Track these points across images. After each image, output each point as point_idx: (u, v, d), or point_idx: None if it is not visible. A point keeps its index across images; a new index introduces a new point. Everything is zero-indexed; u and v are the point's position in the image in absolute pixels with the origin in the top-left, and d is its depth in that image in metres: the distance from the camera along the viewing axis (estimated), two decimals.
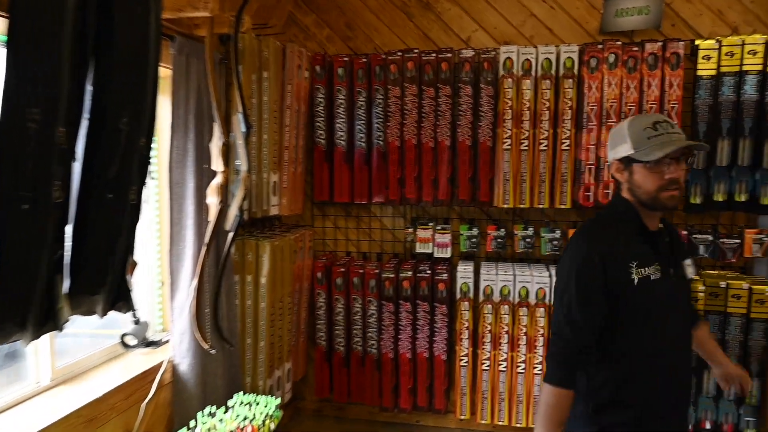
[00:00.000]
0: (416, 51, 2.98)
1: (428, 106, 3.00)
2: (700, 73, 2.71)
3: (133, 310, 1.79)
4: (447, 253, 3.07)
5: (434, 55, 2.96)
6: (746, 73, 2.65)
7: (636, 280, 1.49)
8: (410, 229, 3.14)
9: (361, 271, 3.15)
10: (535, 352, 2.94)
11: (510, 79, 2.87)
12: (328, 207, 3.36)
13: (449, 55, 2.95)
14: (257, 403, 2.20)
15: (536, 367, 2.95)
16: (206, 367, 2.37)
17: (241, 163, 2.29)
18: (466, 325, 3.03)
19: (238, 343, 2.60)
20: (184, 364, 2.31)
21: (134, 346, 2.29)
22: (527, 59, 2.86)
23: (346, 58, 3.09)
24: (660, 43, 2.73)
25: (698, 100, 2.73)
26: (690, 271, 1.65)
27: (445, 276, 3.04)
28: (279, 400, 2.26)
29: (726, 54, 2.66)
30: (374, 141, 3.10)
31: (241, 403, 2.21)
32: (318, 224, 3.38)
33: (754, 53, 2.63)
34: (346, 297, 3.19)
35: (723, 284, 2.71)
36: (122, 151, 1.58)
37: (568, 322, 1.52)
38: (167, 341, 2.37)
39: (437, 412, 3.17)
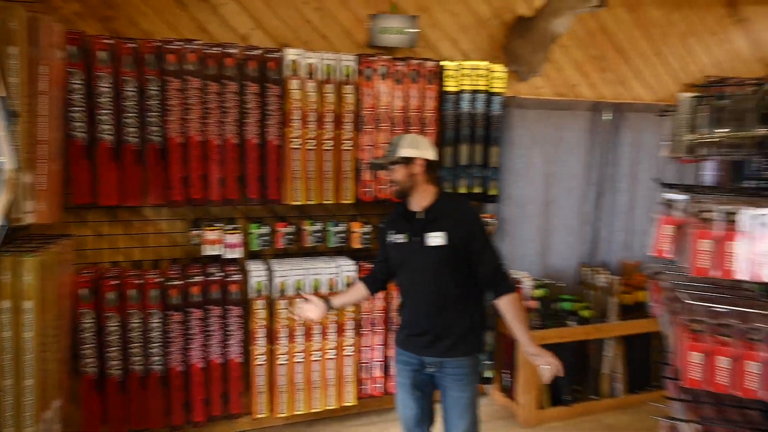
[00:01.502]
0: (198, 43, 2.81)
1: (213, 102, 2.87)
2: (446, 89, 3.31)
3: None
4: (238, 254, 3.01)
5: (218, 49, 2.85)
6: (477, 92, 3.36)
7: (388, 241, 2.30)
8: (195, 231, 2.96)
9: (139, 281, 2.82)
10: (328, 339, 3.14)
11: (296, 81, 2.98)
12: (86, 212, 2.89)
13: (234, 51, 2.88)
14: None
15: (329, 353, 3.15)
16: None
17: (4, 159, 1.83)
18: (261, 324, 3.03)
19: None
20: None
21: None
22: (311, 63, 3.01)
23: (110, 41, 2.71)
24: (418, 61, 3.23)
25: (446, 112, 3.33)
26: (434, 240, 2.10)
27: (237, 277, 2.97)
28: None
29: (464, 75, 3.32)
30: (150, 136, 2.80)
31: None
32: (75, 232, 2.87)
33: (482, 77, 3.36)
34: (121, 313, 2.81)
35: None
36: None
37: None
38: None
39: (233, 417, 3.09)
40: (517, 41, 3.55)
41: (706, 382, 1.44)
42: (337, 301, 2.40)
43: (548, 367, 2.04)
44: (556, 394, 3.51)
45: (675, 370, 1.73)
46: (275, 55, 2.95)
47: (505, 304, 2.11)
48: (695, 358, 1.43)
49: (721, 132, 1.35)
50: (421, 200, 2.19)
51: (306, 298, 2.37)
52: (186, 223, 3.05)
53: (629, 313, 3.64)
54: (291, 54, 2.96)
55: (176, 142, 2.82)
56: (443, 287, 2.14)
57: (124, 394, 2.86)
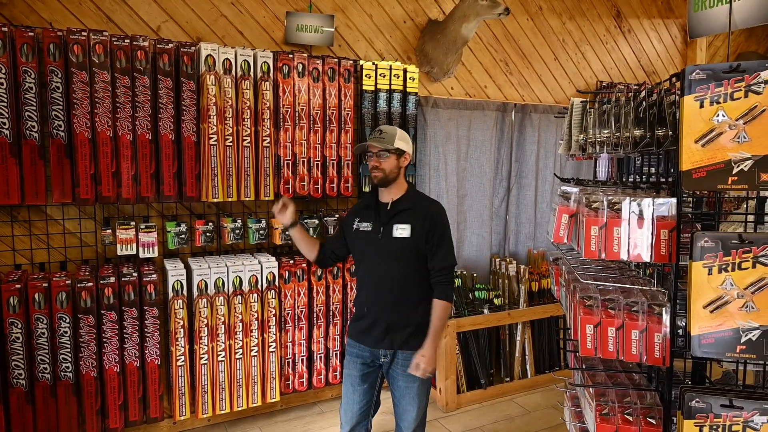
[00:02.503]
0: (106, 34, 2.70)
1: (124, 96, 2.76)
2: (364, 87, 3.41)
3: None
4: (154, 253, 2.92)
5: (128, 41, 2.75)
6: (393, 91, 3.49)
7: (353, 228, 2.34)
8: (108, 231, 2.84)
9: (44, 284, 2.66)
10: (251, 336, 3.13)
11: (212, 76, 2.94)
12: None
13: (146, 43, 2.79)
14: None
15: (252, 350, 3.14)
16: None
17: None
18: (181, 324, 2.97)
19: None
20: None
21: None
22: (228, 59, 2.98)
23: (5, 29, 2.53)
24: (336, 60, 3.29)
25: (364, 110, 3.42)
26: (399, 232, 2.19)
27: (154, 277, 2.88)
28: None
29: (380, 75, 3.43)
30: (54, 131, 2.65)
31: None
32: None
33: (398, 76, 3.49)
34: (25, 319, 2.64)
35: None
36: None
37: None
38: None
39: (153, 421, 2.99)
40: (430, 44, 3.72)
41: (598, 350, 1.63)
42: (299, 228, 2.45)
43: (419, 369, 2.15)
44: (473, 378, 3.73)
45: (574, 343, 1.93)
46: (190, 49, 2.89)
47: (434, 306, 2.21)
48: (589, 329, 1.62)
49: (605, 133, 1.54)
50: (393, 193, 2.26)
51: (285, 203, 2.41)
52: (97, 222, 2.91)
53: (536, 298, 3.94)
54: (207, 49, 2.92)
55: (84, 137, 2.69)
56: (403, 279, 2.20)
57: (30, 406, 2.68)
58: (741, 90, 1.21)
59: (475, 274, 4.02)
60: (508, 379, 3.87)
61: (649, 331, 1.46)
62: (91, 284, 2.73)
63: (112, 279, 2.78)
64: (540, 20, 4.30)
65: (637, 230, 1.37)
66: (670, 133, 1.31)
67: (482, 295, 3.82)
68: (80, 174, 2.70)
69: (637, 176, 2.15)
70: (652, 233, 1.35)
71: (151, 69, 2.81)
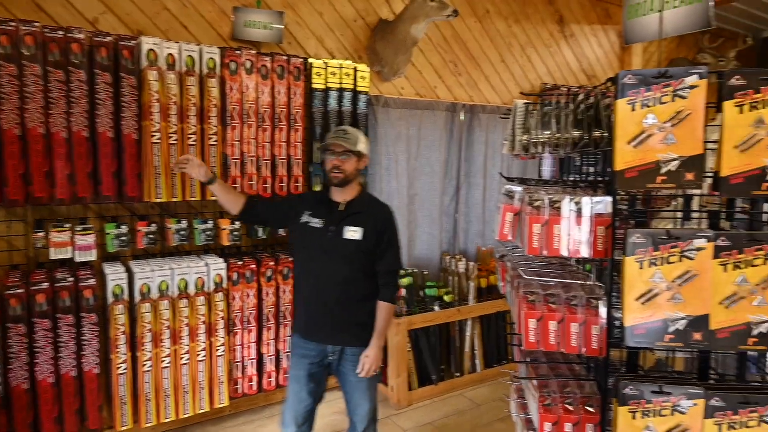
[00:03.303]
0: (37, 24, 2.55)
1: (57, 91, 2.62)
2: (314, 86, 3.38)
3: None
4: (92, 256, 2.79)
5: (62, 33, 2.61)
6: (344, 90, 3.47)
7: (302, 220, 2.30)
8: (40, 233, 2.69)
9: None
10: (198, 340, 3.05)
11: (155, 72, 2.84)
12: None
13: (81, 35, 2.66)
14: None
15: (199, 355, 3.06)
16: None
17: None
18: (122, 330, 2.85)
19: None
20: None
21: None
22: (171, 54, 2.89)
23: None
24: (285, 57, 3.25)
25: (314, 108, 3.40)
26: (351, 234, 2.21)
27: (92, 281, 2.76)
28: None
29: (330, 73, 3.41)
30: None
31: None
32: None
33: (348, 75, 3.48)
34: None
35: None
36: None
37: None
38: None
39: None
40: (380, 43, 3.73)
41: (541, 343, 1.68)
42: (219, 183, 2.51)
43: (364, 370, 2.23)
44: (425, 375, 3.77)
45: (518, 337, 1.99)
46: (130, 43, 2.78)
47: (379, 308, 2.26)
48: (532, 324, 1.67)
49: (546, 133, 1.59)
50: (346, 194, 2.27)
51: (189, 158, 2.49)
52: (27, 224, 2.76)
53: (485, 294, 4.03)
54: (148, 43, 2.81)
55: (12, 134, 2.54)
56: (352, 279, 2.23)
57: None
58: (668, 94, 1.28)
59: (426, 272, 4.06)
60: (458, 374, 3.94)
61: (587, 323, 1.52)
62: (21, 290, 2.58)
63: (45, 285, 2.63)
64: (487, 23, 4.40)
65: (576, 227, 1.43)
66: (605, 134, 1.37)
67: (433, 292, 3.86)
68: (8, 173, 2.55)
69: (576, 175, 2.23)
70: (590, 230, 1.41)
71: (88, 63, 2.69)
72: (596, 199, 1.45)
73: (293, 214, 2.33)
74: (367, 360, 2.22)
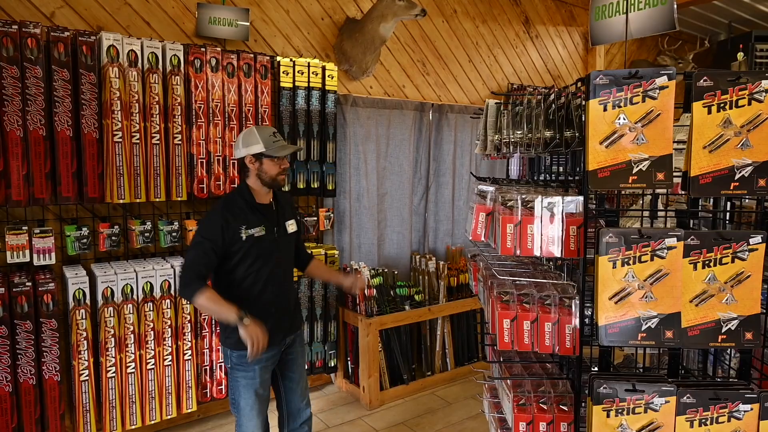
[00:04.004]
0: None
1: (12, 88, 2.50)
2: (282, 84, 3.33)
3: None
4: (51, 259, 2.67)
5: (16, 27, 2.49)
6: (312, 89, 3.43)
7: (244, 237, 2.15)
8: None
9: None
10: (164, 344, 2.96)
11: (116, 69, 2.73)
12: None
13: (37, 30, 2.54)
14: None
15: (166, 359, 2.97)
16: None
17: None
18: (84, 336, 2.74)
19: None
20: None
21: None
22: (132, 50, 2.79)
23: None
24: (252, 55, 3.18)
25: (282, 107, 3.34)
26: (291, 227, 2.35)
27: (51, 285, 2.64)
28: None
29: (298, 72, 3.37)
30: None
31: None
32: None
33: (316, 74, 3.44)
34: None
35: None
36: None
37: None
38: None
39: None
40: (348, 42, 3.71)
41: (515, 343, 1.69)
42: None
43: (356, 286, 2.50)
44: (396, 374, 3.77)
45: (492, 337, 2.00)
46: (89, 38, 2.67)
47: (318, 262, 2.59)
48: (506, 324, 1.67)
49: (518, 134, 1.60)
50: (269, 194, 2.29)
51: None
52: None
53: (455, 293, 4.06)
54: (109, 39, 2.71)
55: None
56: (291, 268, 2.42)
57: None
58: (639, 95, 1.30)
59: (396, 272, 4.06)
60: (429, 373, 3.95)
61: (560, 322, 1.53)
62: None
63: (1, 290, 2.51)
64: (455, 23, 4.42)
65: (548, 227, 1.44)
66: (576, 134, 1.39)
67: (403, 292, 3.86)
68: None
69: (546, 175, 2.26)
70: (562, 229, 1.42)
71: (44, 59, 2.57)
72: (568, 198, 1.46)
73: (229, 238, 2.12)
74: (356, 280, 2.48)
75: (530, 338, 1.58)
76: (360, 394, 3.62)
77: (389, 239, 4.20)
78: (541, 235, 1.47)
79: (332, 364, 3.69)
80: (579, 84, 1.42)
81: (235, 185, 3.15)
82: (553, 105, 1.47)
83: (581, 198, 1.44)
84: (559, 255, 1.44)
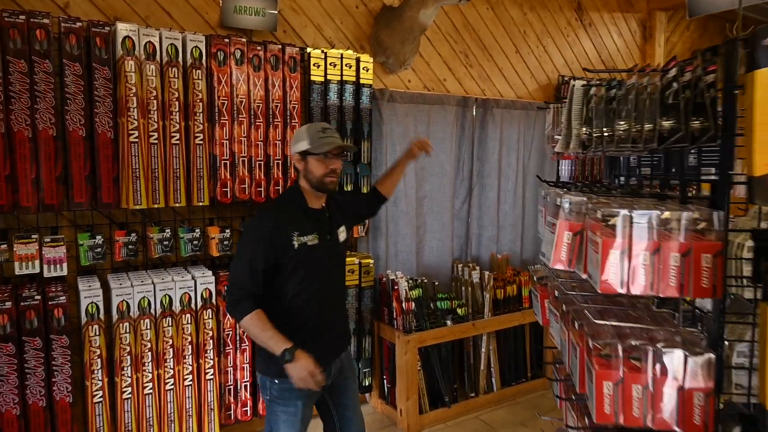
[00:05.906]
0: None
1: (19, 84, 2.30)
2: (312, 78, 3.04)
3: None
4: (63, 270, 2.46)
5: (24, 17, 2.28)
6: (345, 83, 3.14)
7: (296, 245, 1.89)
8: (3, 245, 2.37)
9: None
10: (185, 363, 2.72)
11: (131, 62, 2.50)
12: None
13: (47, 21, 2.33)
14: None
15: (186, 379, 2.73)
16: None
17: None
18: (98, 353, 2.52)
19: None
20: None
21: None
22: (150, 42, 2.55)
23: None
24: (280, 46, 2.91)
25: (312, 103, 3.06)
26: (342, 236, 2.11)
27: (62, 299, 2.43)
28: None
29: (330, 64, 3.07)
30: None
31: None
32: None
33: (350, 66, 3.14)
34: None
35: None
36: None
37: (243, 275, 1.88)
38: None
39: None
40: (385, 31, 3.39)
41: (619, 415, 1.25)
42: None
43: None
44: (436, 395, 3.43)
45: (585, 404, 1.57)
46: (104, 29, 2.45)
47: (379, 187, 2.41)
48: (607, 389, 1.24)
49: (622, 125, 1.20)
50: (322, 198, 2.04)
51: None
52: None
53: (501, 306, 3.68)
54: (124, 29, 2.48)
55: None
56: (344, 281, 2.25)
57: None
58: None
59: (436, 282, 3.72)
60: (473, 395, 3.60)
61: (686, 387, 1.13)
62: None
63: (8, 304, 2.31)
64: (500, 10, 4.05)
65: (665, 253, 1.06)
66: (710, 124, 1.01)
67: (445, 305, 3.52)
68: None
69: (633, 178, 1.84)
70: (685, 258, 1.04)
71: (55, 52, 2.36)
72: (691, 215, 1.07)
73: (281, 244, 1.88)
74: (413, 144, 2.37)
75: (640, 409, 1.18)
76: (397, 418, 3.30)
77: (429, 246, 3.86)
78: (652, 265, 1.08)
79: (367, 383, 3.38)
80: (708, 55, 1.03)
81: (261, 189, 2.89)
82: (673, 85, 1.09)
83: (716, 214, 1.04)
84: (686, 294, 1.03)
